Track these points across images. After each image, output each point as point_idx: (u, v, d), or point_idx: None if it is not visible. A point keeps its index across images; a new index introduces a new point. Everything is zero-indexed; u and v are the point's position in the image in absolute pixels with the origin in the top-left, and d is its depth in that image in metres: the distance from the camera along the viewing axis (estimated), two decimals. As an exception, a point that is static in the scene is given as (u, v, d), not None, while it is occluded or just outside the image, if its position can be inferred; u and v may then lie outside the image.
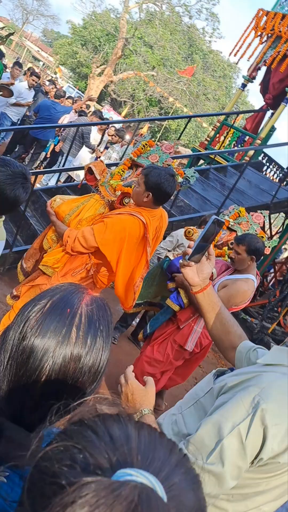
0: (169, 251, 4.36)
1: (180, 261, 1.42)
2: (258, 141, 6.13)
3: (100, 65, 21.98)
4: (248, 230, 3.04)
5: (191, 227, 3.07)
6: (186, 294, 2.90)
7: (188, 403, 1.32)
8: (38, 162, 7.16)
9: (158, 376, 3.02)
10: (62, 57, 26.55)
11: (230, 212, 3.20)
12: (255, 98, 50.78)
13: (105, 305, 0.82)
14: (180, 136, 6.35)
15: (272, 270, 6.59)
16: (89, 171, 2.84)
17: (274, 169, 7.33)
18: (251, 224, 3.07)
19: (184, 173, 3.00)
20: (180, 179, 3.05)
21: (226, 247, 3.09)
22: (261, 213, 3.12)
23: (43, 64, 31.34)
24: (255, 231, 3.04)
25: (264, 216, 3.12)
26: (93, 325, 0.77)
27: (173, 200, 4.75)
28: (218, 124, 6.82)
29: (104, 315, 0.80)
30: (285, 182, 6.18)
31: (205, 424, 1.07)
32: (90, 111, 8.94)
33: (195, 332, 2.92)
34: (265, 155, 6.68)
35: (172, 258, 3.16)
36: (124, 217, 2.44)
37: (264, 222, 3.10)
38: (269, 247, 3.02)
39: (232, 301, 2.67)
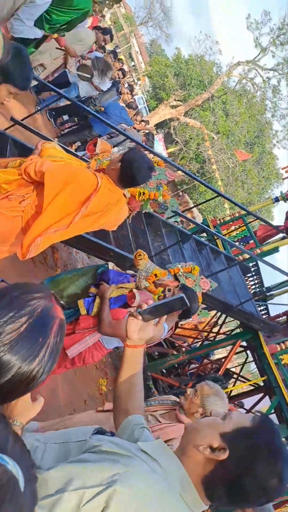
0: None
1: (132, 310, 1.44)
2: (258, 251, 6.40)
3: (178, 100, 22.70)
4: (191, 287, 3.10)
5: (143, 253, 3.13)
6: (100, 305, 2.80)
7: (56, 438, 1.29)
8: (76, 143, 7.19)
9: None
10: (152, 71, 27.32)
11: (185, 264, 3.27)
12: (280, 214, 52.69)
13: (64, 328, 0.97)
14: (202, 203, 6.58)
15: (199, 362, 6.70)
16: (95, 143, 2.93)
17: (256, 281, 7.61)
18: (195, 285, 3.14)
19: (169, 199, 3.12)
20: (161, 200, 3.16)
21: (161, 289, 3.00)
22: (210, 282, 3.22)
23: (133, 66, 32.11)
24: (196, 293, 3.07)
25: (211, 286, 3.22)
26: (54, 355, 0.93)
27: (161, 251, 4.86)
28: (237, 214, 7.10)
29: (61, 341, 0.95)
30: (256, 298, 6.44)
31: (60, 468, 1.05)
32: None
33: (84, 342, 2.81)
34: (256, 265, 6.96)
35: (110, 268, 3.09)
36: (83, 168, 2.45)
37: (208, 290, 3.20)
38: (198, 314, 3.09)
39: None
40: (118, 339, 2.79)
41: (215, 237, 6.21)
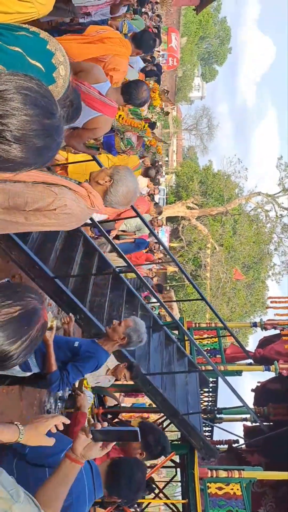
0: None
1: (86, 426, 1.49)
2: (222, 368, 6.30)
3: (195, 203, 23.94)
4: None
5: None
6: None
7: None
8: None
9: None
10: (181, 171, 29.16)
11: None
12: (254, 342, 52.46)
13: (45, 330, 1.16)
14: (185, 300, 6.60)
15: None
16: None
17: (210, 399, 7.38)
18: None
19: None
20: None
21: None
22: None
23: (167, 160, 34.34)
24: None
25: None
26: (31, 346, 1.10)
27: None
28: (213, 325, 7.11)
29: (40, 338, 1.13)
30: (205, 416, 6.20)
31: None
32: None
33: None
34: (216, 382, 6.81)
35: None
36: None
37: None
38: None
39: None
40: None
41: (186, 339, 6.15)
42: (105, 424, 1.53)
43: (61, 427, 1.43)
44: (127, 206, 2.56)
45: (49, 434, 1.42)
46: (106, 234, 4.30)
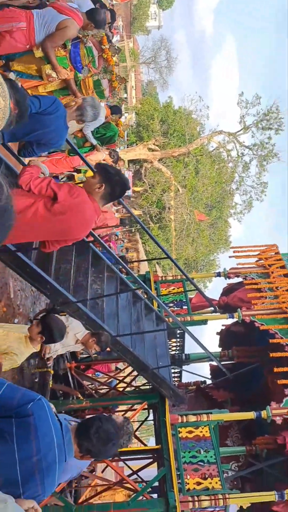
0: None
1: None
2: (188, 318, 6.54)
3: (157, 145, 23.40)
4: None
5: None
6: None
7: None
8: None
9: None
10: (141, 109, 28.10)
11: None
12: (216, 288, 52.46)
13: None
14: (150, 259, 6.67)
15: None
16: None
17: (178, 344, 7.72)
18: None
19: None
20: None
21: None
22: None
23: (125, 98, 32.87)
24: None
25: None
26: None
27: (97, 297, 4.82)
28: (179, 277, 7.27)
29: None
30: (173, 364, 6.52)
31: None
32: None
33: None
34: (182, 331, 7.08)
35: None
36: None
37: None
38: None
39: None
40: None
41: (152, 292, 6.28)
42: None
43: None
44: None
45: None
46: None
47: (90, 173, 4.99)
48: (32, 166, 2.83)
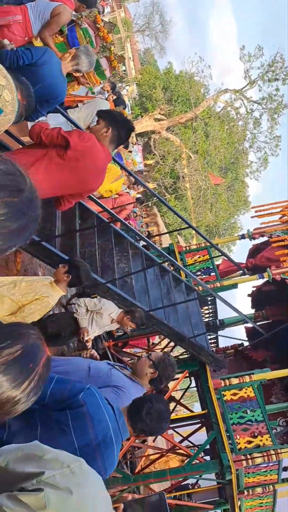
0: (87, 310, 4.39)
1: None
2: (218, 284, 6.54)
3: (162, 114, 22.92)
4: None
5: None
6: None
7: None
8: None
9: None
10: (142, 80, 27.46)
11: None
12: (242, 251, 53.06)
13: (50, 365, 1.11)
14: (172, 231, 6.66)
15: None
16: None
17: (210, 311, 7.75)
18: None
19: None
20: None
21: None
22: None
23: (124, 71, 32.13)
24: None
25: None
26: (40, 384, 1.03)
27: (126, 275, 4.86)
28: (203, 245, 7.23)
29: (47, 374, 1.07)
30: (209, 331, 6.55)
31: None
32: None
33: None
34: (213, 297, 7.08)
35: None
36: None
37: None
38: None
39: None
40: None
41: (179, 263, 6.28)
42: None
43: None
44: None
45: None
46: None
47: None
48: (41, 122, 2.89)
